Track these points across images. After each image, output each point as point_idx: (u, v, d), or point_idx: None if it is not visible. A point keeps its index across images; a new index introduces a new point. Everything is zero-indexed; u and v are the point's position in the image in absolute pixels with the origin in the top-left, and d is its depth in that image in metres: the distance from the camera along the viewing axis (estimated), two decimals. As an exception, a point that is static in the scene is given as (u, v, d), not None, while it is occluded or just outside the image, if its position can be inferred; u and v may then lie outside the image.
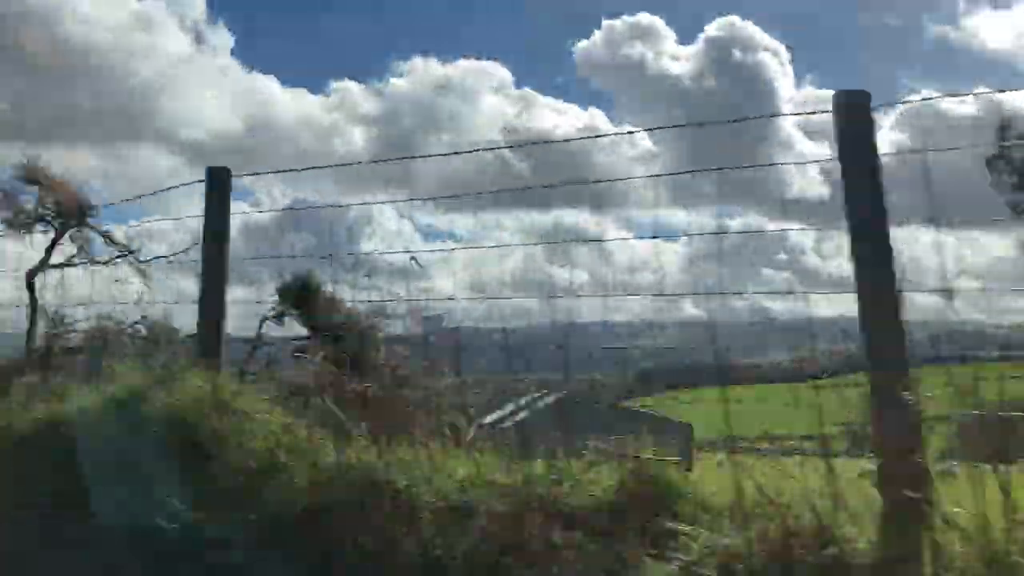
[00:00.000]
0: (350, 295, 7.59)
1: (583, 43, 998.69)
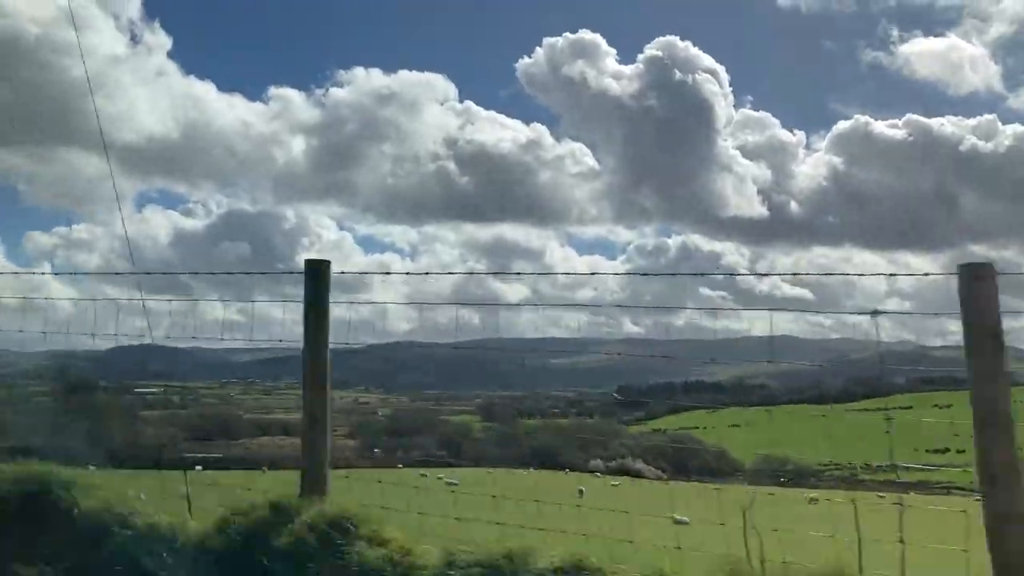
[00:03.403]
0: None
1: (525, 60, 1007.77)
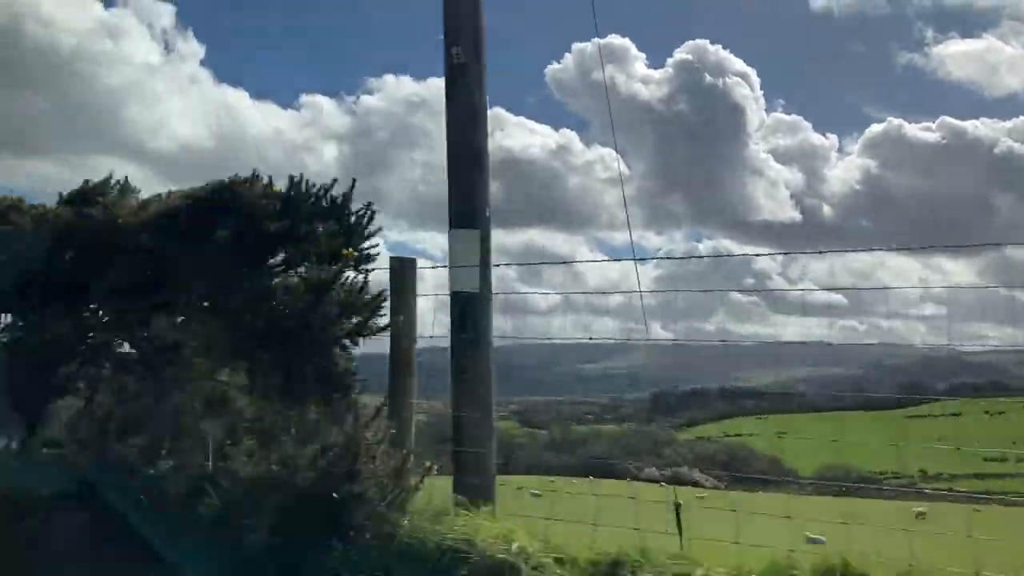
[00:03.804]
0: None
1: (555, 65, 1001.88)
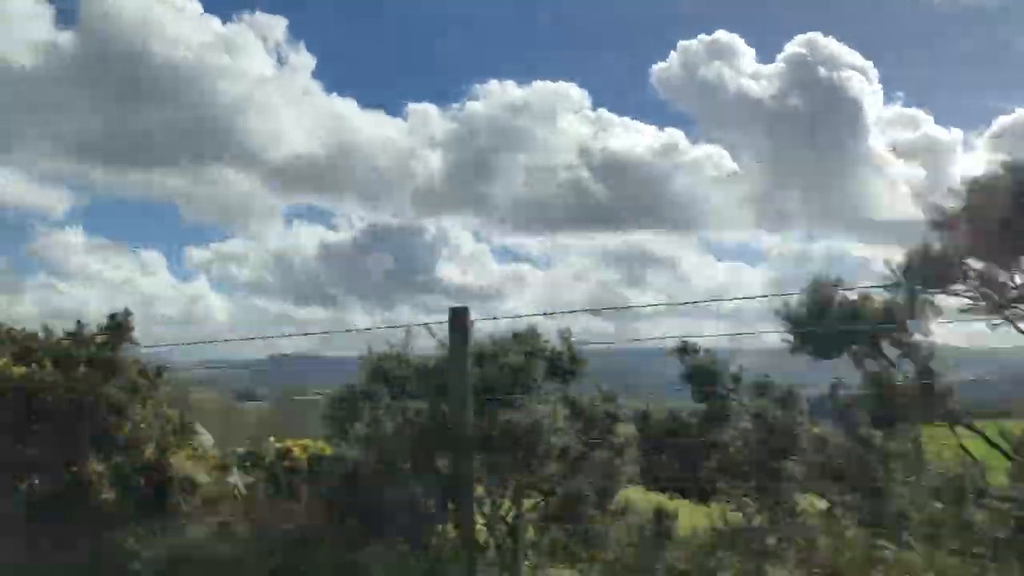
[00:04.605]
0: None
1: (660, 64, 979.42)
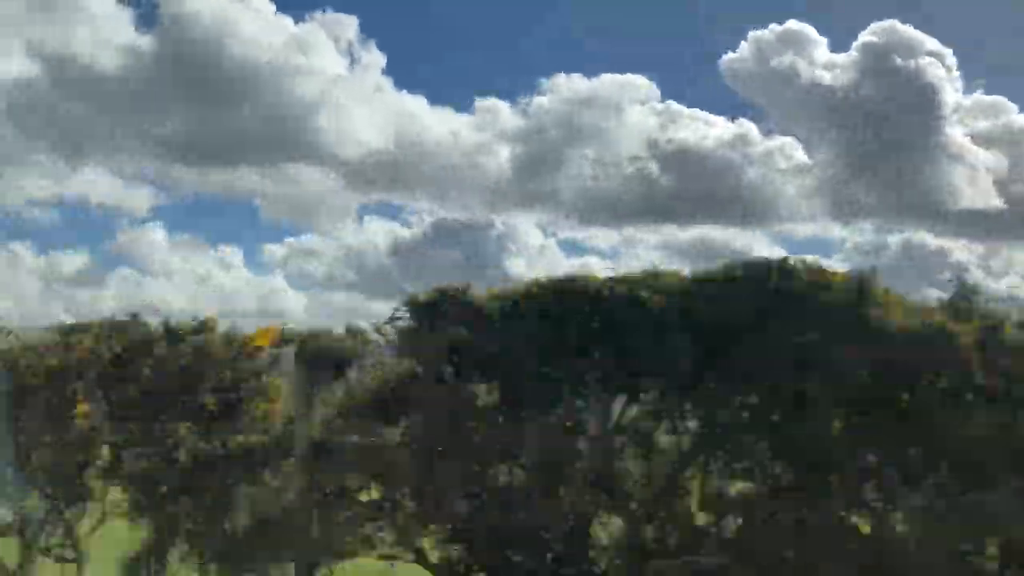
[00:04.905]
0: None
1: (729, 55, 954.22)
